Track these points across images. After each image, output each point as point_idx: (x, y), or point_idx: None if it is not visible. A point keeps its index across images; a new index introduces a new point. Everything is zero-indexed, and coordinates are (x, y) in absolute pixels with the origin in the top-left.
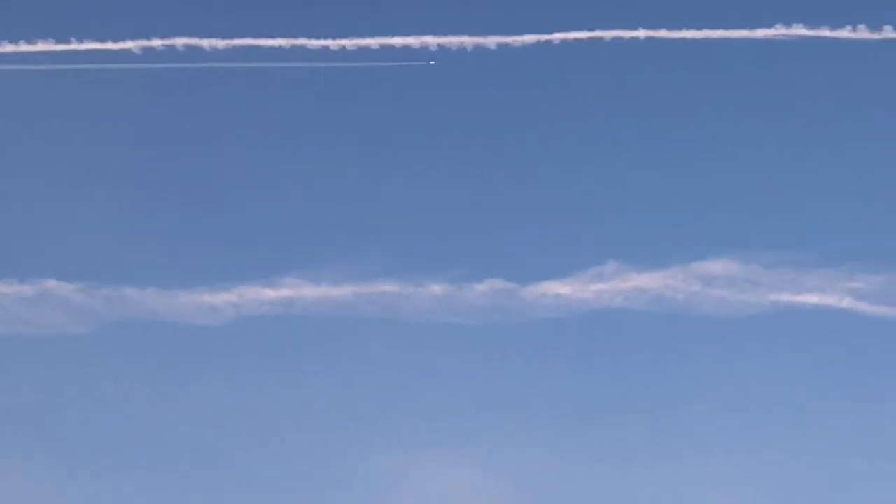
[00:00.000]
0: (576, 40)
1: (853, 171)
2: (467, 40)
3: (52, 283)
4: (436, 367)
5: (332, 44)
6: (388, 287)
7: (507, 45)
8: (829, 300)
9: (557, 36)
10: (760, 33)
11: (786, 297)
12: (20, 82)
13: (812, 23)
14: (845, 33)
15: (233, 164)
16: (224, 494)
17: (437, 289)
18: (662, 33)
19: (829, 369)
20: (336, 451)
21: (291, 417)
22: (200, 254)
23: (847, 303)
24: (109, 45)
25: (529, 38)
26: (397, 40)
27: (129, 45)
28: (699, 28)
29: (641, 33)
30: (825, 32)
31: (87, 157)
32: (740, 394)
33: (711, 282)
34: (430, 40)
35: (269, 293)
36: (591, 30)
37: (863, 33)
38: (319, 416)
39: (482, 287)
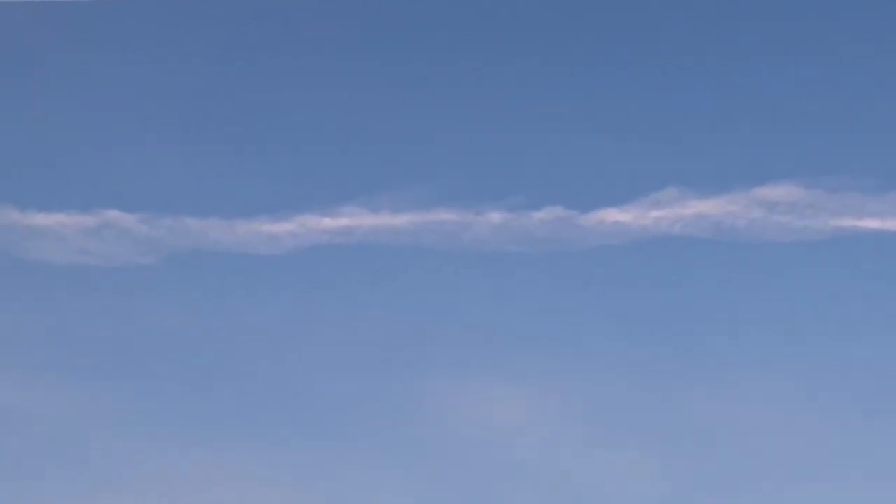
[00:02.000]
0: None
1: None
2: None
3: (113, 214)
4: (494, 296)
5: None
6: (446, 215)
7: None
8: (892, 224)
9: None
10: None
11: (848, 222)
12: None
13: None
14: None
15: (292, 91)
16: (284, 422)
17: (495, 217)
18: None
19: (892, 294)
20: (393, 379)
21: (351, 345)
22: (259, 183)
23: None
24: None
25: None
26: None
27: None
28: None
29: None
30: None
31: (147, 87)
32: (801, 319)
33: (773, 207)
34: None
35: (329, 222)
36: None
37: None
38: (378, 344)
39: (541, 215)
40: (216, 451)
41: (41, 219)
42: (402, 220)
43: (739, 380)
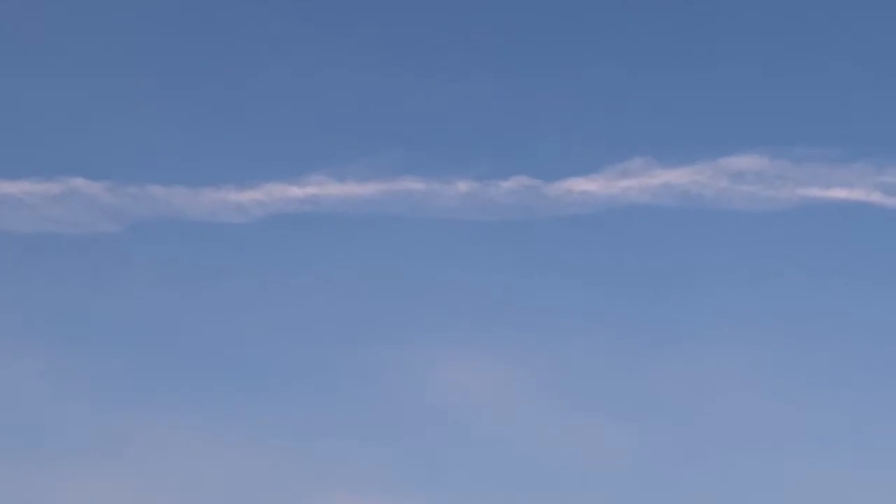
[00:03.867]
0: None
1: (883, 64)
2: None
3: (78, 182)
4: (461, 264)
5: None
6: (413, 184)
7: None
8: (858, 195)
9: None
10: None
11: (814, 192)
12: None
13: None
14: None
15: (258, 62)
16: (250, 391)
17: (462, 186)
18: None
19: (857, 263)
20: (360, 347)
21: (317, 313)
22: (225, 151)
23: (876, 197)
24: None
25: None
26: None
27: None
28: None
29: None
30: None
31: (112, 53)
32: (769, 288)
33: (740, 177)
34: None
35: (295, 191)
36: None
37: None
38: (344, 312)
39: (508, 184)
40: (180, 415)
41: (6, 187)
42: (368, 188)
43: (707, 347)
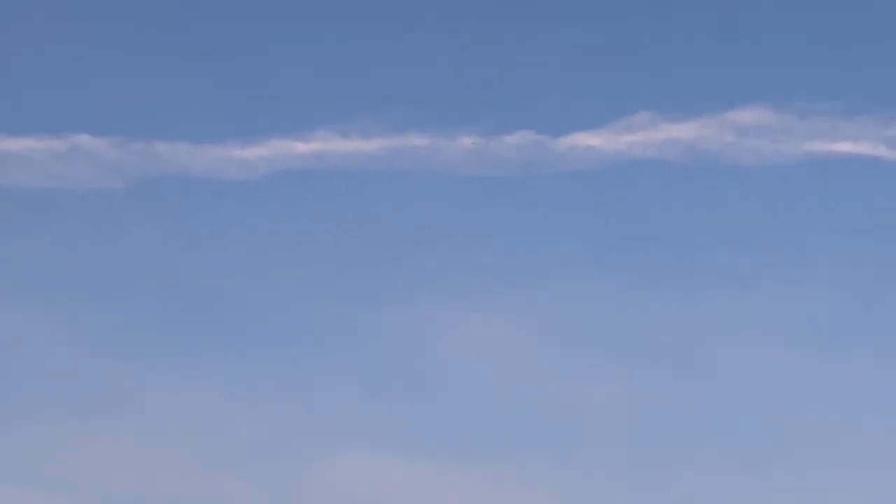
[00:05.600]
0: None
1: (887, 19)
2: None
3: (83, 138)
4: (466, 220)
5: None
6: (418, 140)
7: None
8: (863, 148)
9: None
10: None
11: (819, 146)
12: None
13: None
14: None
15: (263, 20)
16: (255, 349)
17: (467, 141)
18: None
19: (862, 217)
20: (365, 303)
21: (322, 270)
22: (229, 108)
23: (881, 150)
24: None
25: None
26: None
27: None
28: None
29: None
30: None
31: (118, 12)
32: (773, 241)
33: (745, 131)
34: None
35: (300, 147)
36: None
37: None
38: (349, 269)
39: (513, 139)
40: (190, 371)
41: (10, 143)
42: (373, 144)
43: (710, 299)
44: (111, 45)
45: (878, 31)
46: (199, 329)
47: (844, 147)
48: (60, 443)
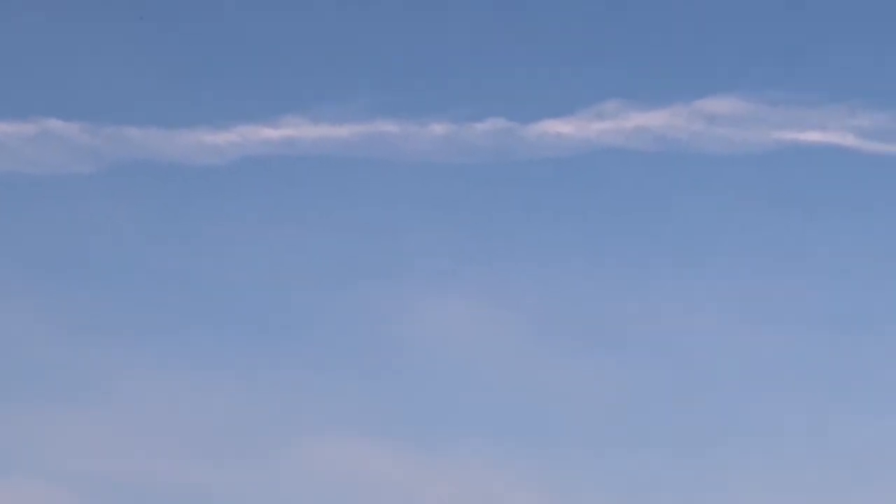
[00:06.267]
0: None
1: (857, 8)
2: None
3: (53, 122)
4: (437, 206)
5: None
6: (388, 126)
7: None
8: (832, 137)
9: None
10: None
11: (788, 135)
12: None
13: None
14: None
15: (234, 4)
16: (230, 333)
17: (438, 128)
18: None
19: (831, 206)
20: (338, 289)
21: (294, 255)
22: (200, 93)
23: (850, 140)
24: None
25: None
26: None
27: None
28: None
29: None
30: None
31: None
32: (744, 230)
33: (714, 120)
34: None
35: (270, 132)
36: None
37: None
38: (321, 255)
39: (483, 126)
40: (162, 355)
41: None
42: (344, 131)
43: (683, 287)
44: (81, 29)
45: (846, 21)
46: (170, 313)
47: (813, 136)
48: (32, 427)
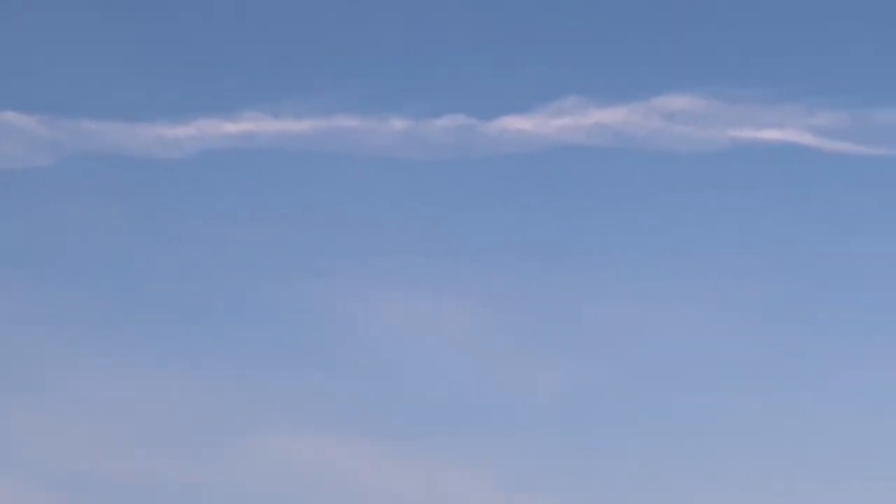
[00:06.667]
0: None
1: (814, 6)
2: None
3: (10, 115)
4: (396, 201)
5: None
6: (349, 122)
7: None
8: (789, 135)
9: None
10: None
11: (745, 133)
12: None
13: None
14: None
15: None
16: (183, 325)
17: (398, 124)
18: None
19: (788, 203)
20: (295, 282)
21: (252, 248)
22: (159, 87)
23: (807, 138)
24: None
25: None
26: None
27: None
28: None
29: None
30: None
31: None
32: (700, 227)
33: (673, 117)
34: None
35: (230, 126)
36: None
37: None
38: (279, 248)
39: (443, 122)
40: (117, 347)
41: None
42: (303, 125)
43: (637, 284)
44: (39, 21)
45: (804, 21)
46: (125, 305)
47: (770, 134)
48: None
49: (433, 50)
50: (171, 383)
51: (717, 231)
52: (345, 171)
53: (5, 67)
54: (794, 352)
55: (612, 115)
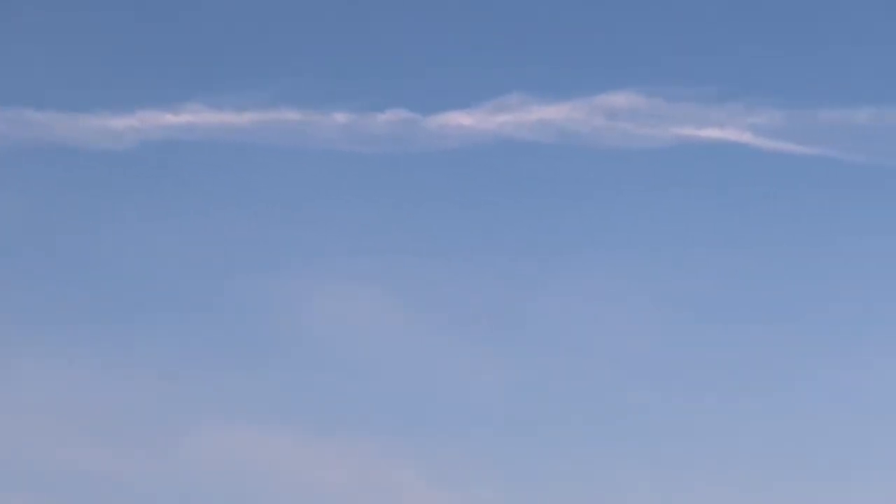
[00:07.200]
0: None
1: (756, 5)
2: None
3: None
4: (338, 195)
5: None
6: (291, 115)
7: None
8: (731, 134)
9: None
10: None
11: (687, 131)
12: None
13: None
14: None
15: None
16: (126, 320)
17: (339, 117)
18: None
19: (728, 202)
20: (237, 276)
21: (193, 242)
22: (100, 77)
23: (747, 137)
24: None
25: None
26: None
27: None
28: None
29: None
30: None
31: None
32: (642, 225)
33: (615, 115)
34: None
35: (171, 118)
36: None
37: None
38: (220, 241)
39: (385, 116)
40: (58, 340)
41: None
42: (245, 118)
43: (579, 280)
44: None
45: (745, 19)
46: (67, 298)
47: (711, 133)
48: None
49: (376, 44)
50: (111, 379)
51: (660, 228)
52: (286, 165)
53: None
54: (739, 348)
55: (554, 112)
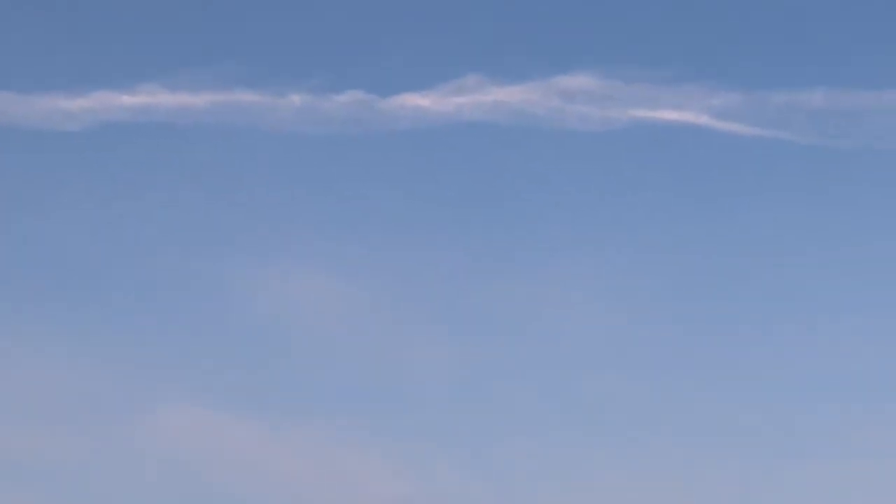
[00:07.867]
0: None
1: None
2: None
3: None
4: (294, 177)
5: None
6: (247, 96)
7: None
8: (687, 116)
9: None
10: None
11: (644, 113)
12: None
13: None
14: None
15: None
16: (80, 302)
17: (296, 99)
18: None
19: (685, 182)
20: (193, 259)
21: (149, 224)
22: (55, 58)
23: (704, 119)
24: None
25: None
26: None
27: None
28: None
29: None
30: None
31: None
32: (600, 206)
33: (572, 97)
34: None
35: (126, 99)
36: None
37: None
38: (176, 224)
39: (342, 98)
40: (13, 321)
41: None
42: (201, 99)
43: (538, 263)
44: None
45: (702, 2)
46: (21, 280)
47: (669, 115)
48: None
49: (332, 25)
50: (60, 359)
51: (616, 211)
52: (242, 146)
53: None
54: (690, 333)
55: (511, 94)
